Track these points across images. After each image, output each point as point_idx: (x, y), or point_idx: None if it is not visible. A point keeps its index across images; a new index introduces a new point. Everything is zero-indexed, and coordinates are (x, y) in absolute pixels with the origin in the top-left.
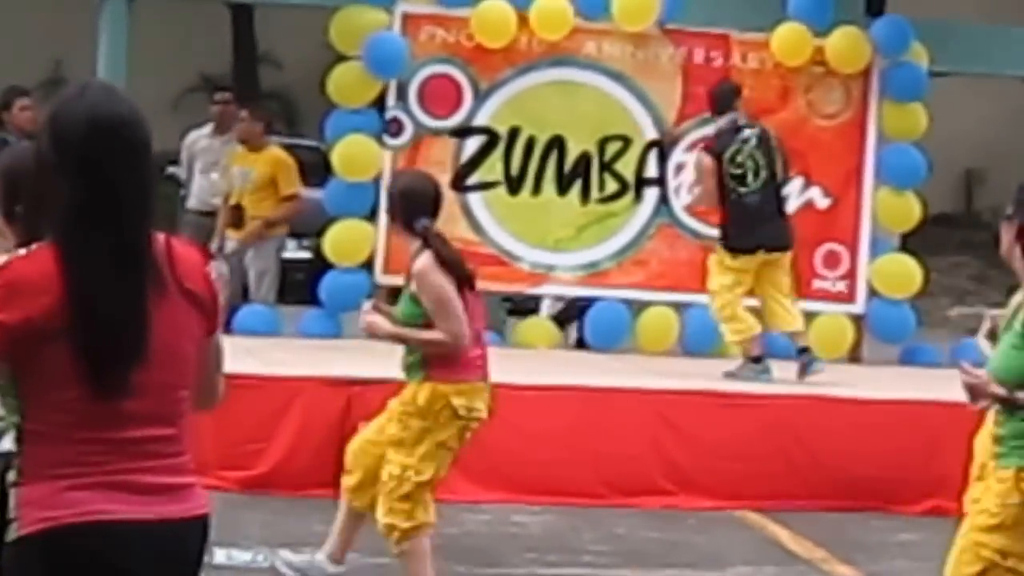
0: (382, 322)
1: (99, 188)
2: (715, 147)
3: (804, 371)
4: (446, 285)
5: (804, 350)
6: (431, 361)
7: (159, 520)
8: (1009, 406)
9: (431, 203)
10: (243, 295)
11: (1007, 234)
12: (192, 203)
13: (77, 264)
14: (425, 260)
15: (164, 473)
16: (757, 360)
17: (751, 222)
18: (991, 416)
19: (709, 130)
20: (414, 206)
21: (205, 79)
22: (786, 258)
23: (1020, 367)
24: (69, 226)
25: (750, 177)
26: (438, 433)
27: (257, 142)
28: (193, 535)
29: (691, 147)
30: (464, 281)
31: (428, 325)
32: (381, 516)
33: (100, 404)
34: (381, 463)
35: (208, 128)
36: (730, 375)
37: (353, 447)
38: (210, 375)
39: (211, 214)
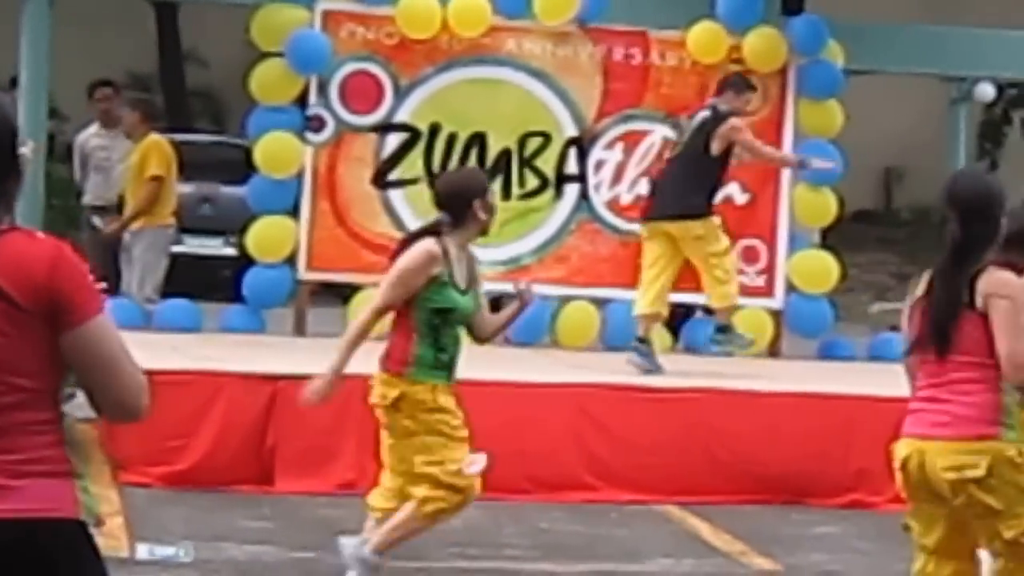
0: None
1: None
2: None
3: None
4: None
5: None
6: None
7: None
8: None
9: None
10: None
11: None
12: (87, 199)
13: None
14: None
15: None
16: (728, 329)
17: None
18: None
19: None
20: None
21: (132, 78)
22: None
23: None
24: None
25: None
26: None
27: (136, 133)
28: (12, 535)
29: (610, 144)
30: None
31: None
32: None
33: None
34: None
35: (95, 126)
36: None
37: None
38: (93, 379)
39: (106, 208)
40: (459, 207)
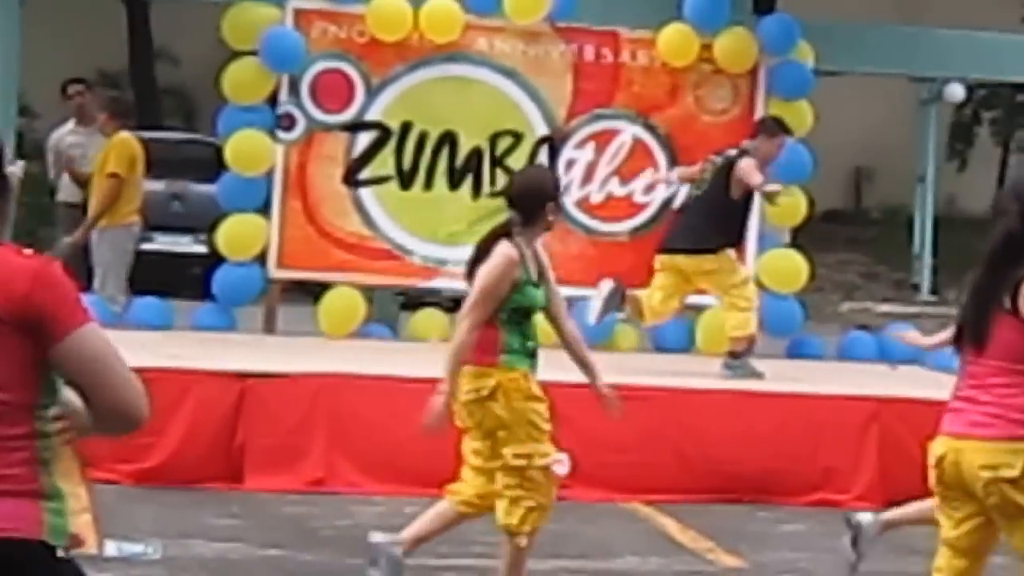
0: None
1: None
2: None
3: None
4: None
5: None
6: None
7: None
8: None
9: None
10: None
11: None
12: (61, 196)
13: None
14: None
15: None
16: (740, 356)
17: None
18: None
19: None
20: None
21: (102, 75)
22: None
23: None
24: None
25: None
26: None
27: (106, 130)
28: None
29: (581, 143)
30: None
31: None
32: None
33: None
34: None
35: (71, 123)
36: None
37: None
38: (87, 391)
39: (80, 206)
40: (532, 207)
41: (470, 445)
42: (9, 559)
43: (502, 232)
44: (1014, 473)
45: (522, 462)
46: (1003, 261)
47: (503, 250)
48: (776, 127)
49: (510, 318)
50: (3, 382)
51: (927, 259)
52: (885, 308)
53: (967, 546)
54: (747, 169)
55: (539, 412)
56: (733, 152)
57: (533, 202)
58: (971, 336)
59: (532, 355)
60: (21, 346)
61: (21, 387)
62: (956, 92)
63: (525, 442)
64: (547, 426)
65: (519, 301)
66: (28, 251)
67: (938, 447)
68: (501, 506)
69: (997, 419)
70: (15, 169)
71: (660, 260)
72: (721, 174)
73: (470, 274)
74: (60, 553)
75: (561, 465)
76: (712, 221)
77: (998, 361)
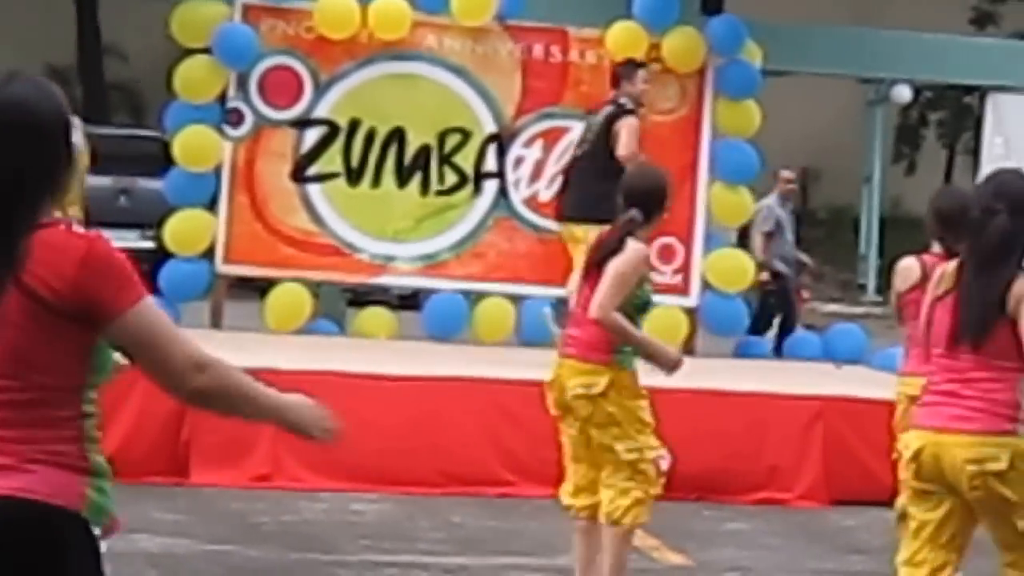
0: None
1: None
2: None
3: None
4: None
5: None
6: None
7: None
8: None
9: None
10: None
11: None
12: None
13: None
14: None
15: None
16: None
17: None
18: None
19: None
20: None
21: (50, 70)
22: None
23: None
24: None
25: None
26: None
27: None
28: (6, 513)
29: (529, 141)
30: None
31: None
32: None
33: None
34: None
35: None
36: None
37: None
38: (149, 361)
39: None
40: (653, 205)
41: (581, 436)
42: (48, 523)
43: (627, 229)
44: (1001, 466)
45: (634, 456)
46: (996, 260)
47: (636, 245)
48: (630, 66)
49: (627, 314)
50: (50, 366)
51: (873, 260)
52: (831, 308)
53: (946, 540)
54: (623, 135)
55: (646, 408)
56: (610, 108)
57: (655, 200)
58: (969, 334)
59: (636, 352)
60: (70, 331)
61: (68, 371)
62: (903, 94)
63: (636, 437)
64: (652, 421)
65: (640, 297)
66: (79, 229)
67: (914, 441)
68: (607, 496)
69: (981, 412)
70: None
71: (563, 230)
72: (602, 135)
73: (598, 267)
74: (96, 531)
75: (664, 460)
76: (604, 185)
77: (991, 357)
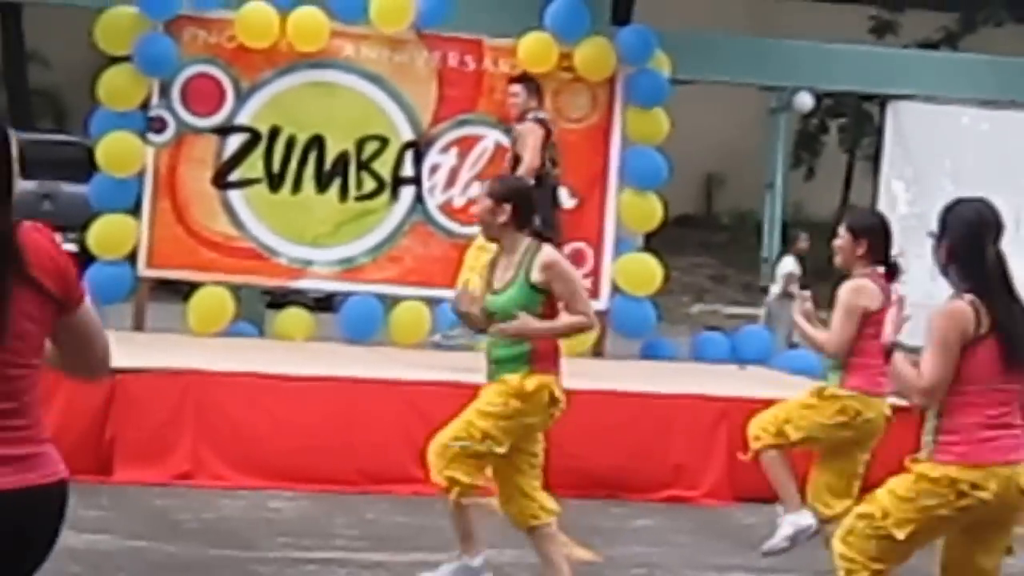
0: (532, 320)
1: None
2: (547, 126)
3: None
4: (575, 271)
5: None
6: (539, 354)
7: (16, 488)
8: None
9: (534, 204)
10: None
11: (937, 253)
12: None
13: None
14: (551, 249)
15: (13, 445)
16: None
17: (552, 212)
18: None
19: (541, 114)
20: (529, 206)
21: None
22: None
23: None
24: None
25: (558, 166)
26: (530, 417)
27: None
28: (50, 499)
29: (445, 148)
30: None
31: (543, 315)
32: (442, 470)
33: None
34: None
35: None
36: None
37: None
38: (82, 347)
39: None
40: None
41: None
42: (65, 495)
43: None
44: None
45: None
46: (1011, 287)
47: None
48: (531, 81)
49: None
50: (40, 351)
51: (775, 262)
52: (734, 310)
53: (962, 566)
54: (525, 133)
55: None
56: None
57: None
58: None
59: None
60: (53, 318)
61: (42, 353)
62: (805, 101)
63: None
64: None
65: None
66: (39, 225)
67: (991, 479)
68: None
69: None
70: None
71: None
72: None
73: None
74: None
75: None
76: None
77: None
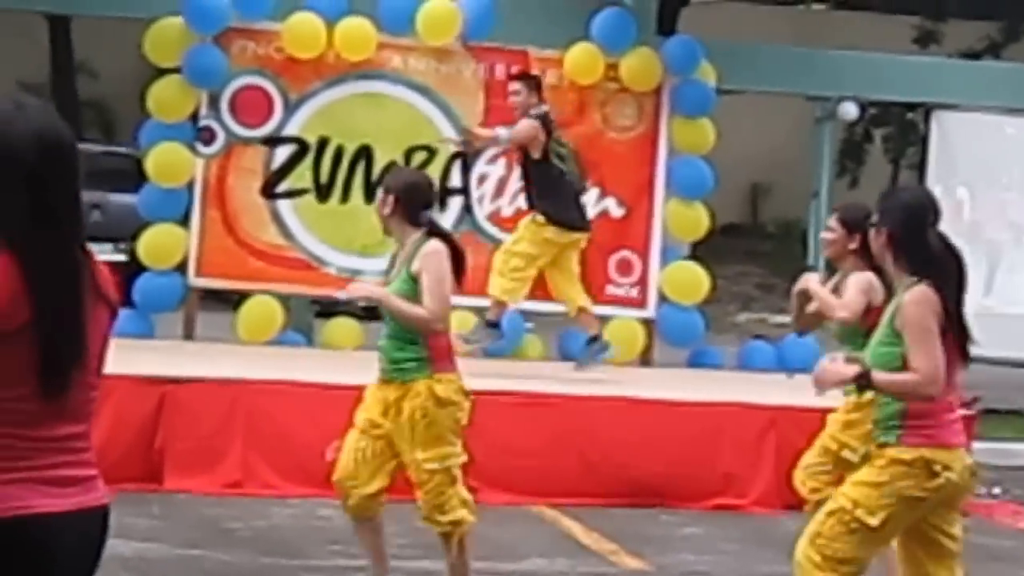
0: (395, 298)
1: (44, 204)
2: (546, 121)
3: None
4: (447, 271)
5: (595, 338)
6: (435, 356)
7: (78, 510)
8: (866, 382)
9: (431, 197)
10: None
11: (876, 241)
12: None
13: (36, 271)
14: (437, 244)
15: (79, 467)
16: (495, 325)
17: (573, 200)
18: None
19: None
20: (417, 200)
21: (23, 87)
22: (584, 239)
23: (889, 360)
24: (22, 236)
25: (571, 162)
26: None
27: None
28: (102, 522)
29: (493, 159)
30: (460, 273)
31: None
32: (443, 515)
33: (41, 403)
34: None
35: None
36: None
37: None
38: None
39: None
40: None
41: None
42: (107, 521)
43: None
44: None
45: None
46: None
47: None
48: (531, 78)
49: None
50: (103, 367)
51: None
52: (781, 319)
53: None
54: (520, 127)
55: None
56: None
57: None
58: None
59: None
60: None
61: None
62: (850, 110)
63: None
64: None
65: None
66: None
67: (956, 459)
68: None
69: None
70: None
71: (571, 237)
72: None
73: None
74: None
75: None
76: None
77: None
